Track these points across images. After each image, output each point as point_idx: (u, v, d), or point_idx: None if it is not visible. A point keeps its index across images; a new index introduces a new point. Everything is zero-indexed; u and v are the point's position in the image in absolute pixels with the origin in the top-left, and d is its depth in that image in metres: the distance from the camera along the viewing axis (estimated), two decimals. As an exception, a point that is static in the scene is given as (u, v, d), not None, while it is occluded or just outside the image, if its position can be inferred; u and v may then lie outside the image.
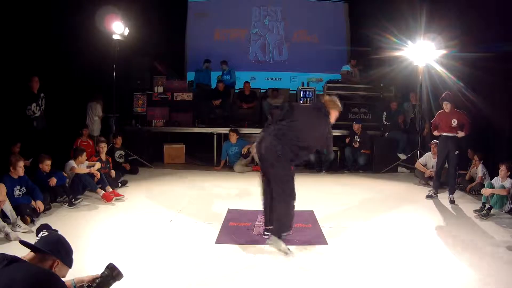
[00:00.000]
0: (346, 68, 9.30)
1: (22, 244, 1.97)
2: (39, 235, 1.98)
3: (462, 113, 5.52)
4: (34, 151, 5.66)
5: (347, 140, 7.79)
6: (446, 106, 5.48)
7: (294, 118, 3.68)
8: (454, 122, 5.44)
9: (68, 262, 2.01)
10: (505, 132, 5.85)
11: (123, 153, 7.21)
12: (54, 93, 6.48)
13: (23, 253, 1.95)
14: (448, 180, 5.69)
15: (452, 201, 5.46)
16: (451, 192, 5.55)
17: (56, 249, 1.94)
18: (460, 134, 5.44)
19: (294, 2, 11.98)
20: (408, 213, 5.01)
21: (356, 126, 7.80)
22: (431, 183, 6.45)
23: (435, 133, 5.73)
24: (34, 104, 6.03)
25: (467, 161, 6.45)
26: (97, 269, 3.07)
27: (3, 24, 5.65)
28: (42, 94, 6.15)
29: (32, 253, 1.92)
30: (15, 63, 5.90)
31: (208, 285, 2.99)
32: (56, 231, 2.11)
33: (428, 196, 5.78)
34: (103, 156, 6.15)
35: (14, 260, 1.80)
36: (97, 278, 2.18)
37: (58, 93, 6.61)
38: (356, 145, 7.75)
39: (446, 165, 5.75)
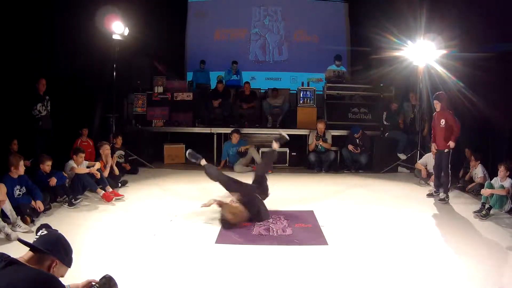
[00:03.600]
0: (332, 67, 9.28)
1: (21, 242, 1.95)
2: (38, 234, 1.97)
3: (451, 113, 5.54)
4: (38, 150, 5.70)
5: (349, 147, 7.77)
6: (436, 105, 5.62)
7: None
8: (442, 122, 5.56)
9: (67, 262, 1.99)
10: (505, 132, 5.85)
11: (123, 153, 7.21)
12: (55, 94, 6.50)
13: (23, 252, 1.95)
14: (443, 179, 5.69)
15: (442, 199, 5.48)
16: (445, 191, 5.55)
17: (55, 248, 1.92)
18: (451, 145, 5.44)
19: (294, 2, 11.98)
20: (408, 213, 5.01)
21: (356, 135, 7.80)
22: (431, 183, 6.46)
23: (433, 146, 5.78)
24: (39, 104, 6.20)
25: (464, 160, 6.45)
26: (97, 270, 3.08)
27: (9, 26, 5.68)
28: (47, 97, 6.33)
29: (31, 253, 1.90)
30: (21, 65, 5.94)
31: (208, 285, 2.99)
32: (56, 231, 2.11)
33: (429, 195, 5.84)
34: (109, 159, 6.12)
35: (12, 262, 1.78)
36: (92, 283, 2.18)
37: (58, 93, 6.61)
38: (358, 151, 7.73)
39: None
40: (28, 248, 1.92)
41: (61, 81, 6.70)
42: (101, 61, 7.42)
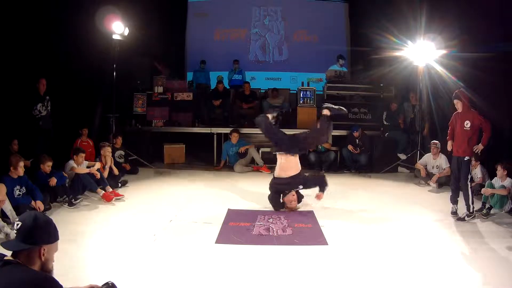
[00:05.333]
0: (334, 67, 9.27)
1: (4, 248, 1.89)
2: (15, 228, 1.92)
3: (476, 112, 4.80)
4: (38, 150, 5.70)
5: (349, 147, 7.74)
6: (457, 105, 4.87)
7: None
8: (467, 124, 4.74)
9: (53, 239, 1.92)
10: (505, 132, 5.85)
11: (123, 153, 7.21)
12: (55, 94, 6.50)
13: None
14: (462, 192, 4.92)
15: (461, 218, 4.67)
16: (467, 208, 4.73)
17: (37, 237, 1.85)
18: (480, 147, 4.75)
19: (294, 2, 11.97)
20: (408, 213, 5.00)
21: (356, 134, 7.78)
22: (431, 183, 6.46)
23: (449, 146, 4.98)
24: (40, 104, 6.21)
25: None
26: (97, 269, 3.09)
27: (10, 26, 5.68)
28: (47, 97, 6.34)
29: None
30: (21, 65, 5.94)
31: (208, 285, 2.99)
32: (31, 214, 2.00)
33: (454, 213, 4.89)
34: (108, 160, 6.10)
35: (7, 262, 1.77)
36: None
37: (58, 93, 6.62)
38: (358, 151, 7.72)
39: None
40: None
41: (61, 81, 6.70)
42: (101, 61, 7.43)
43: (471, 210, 4.68)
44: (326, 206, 5.17)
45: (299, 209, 5.02)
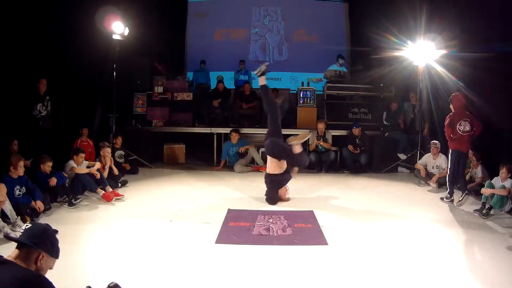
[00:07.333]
0: (333, 67, 9.27)
1: (7, 238, 1.95)
2: (23, 227, 1.96)
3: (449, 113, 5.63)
4: (38, 150, 5.70)
5: (349, 147, 7.72)
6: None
7: None
8: None
9: (54, 253, 1.97)
10: (505, 132, 5.85)
11: (123, 153, 7.21)
12: (54, 93, 6.51)
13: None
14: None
15: (441, 197, 5.62)
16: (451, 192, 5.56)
17: (41, 241, 1.91)
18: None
19: (294, 2, 11.98)
20: (408, 213, 5.00)
21: (356, 131, 7.76)
22: (431, 183, 6.46)
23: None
24: (40, 104, 6.22)
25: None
26: (96, 269, 3.09)
27: (10, 26, 5.68)
28: (47, 97, 6.34)
29: (17, 250, 1.89)
30: (21, 65, 5.94)
31: (208, 285, 2.99)
32: (43, 224, 2.07)
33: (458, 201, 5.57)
34: (108, 160, 6.09)
35: (2, 261, 1.79)
36: None
37: (58, 93, 6.62)
38: (358, 151, 7.71)
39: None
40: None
41: (61, 81, 6.70)
42: (101, 61, 7.43)
43: (447, 193, 5.55)
44: (326, 206, 5.18)
45: (299, 210, 5.03)
